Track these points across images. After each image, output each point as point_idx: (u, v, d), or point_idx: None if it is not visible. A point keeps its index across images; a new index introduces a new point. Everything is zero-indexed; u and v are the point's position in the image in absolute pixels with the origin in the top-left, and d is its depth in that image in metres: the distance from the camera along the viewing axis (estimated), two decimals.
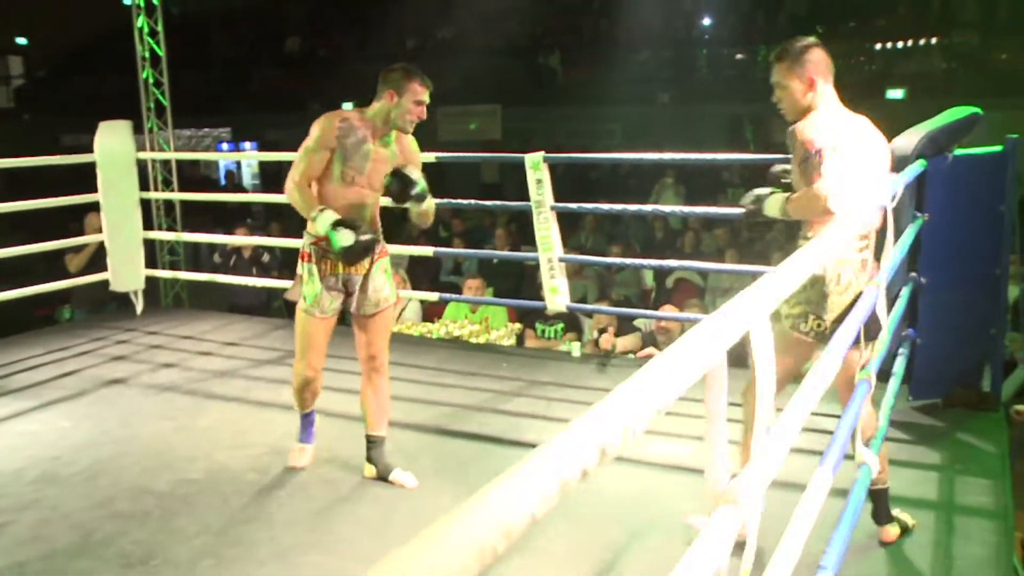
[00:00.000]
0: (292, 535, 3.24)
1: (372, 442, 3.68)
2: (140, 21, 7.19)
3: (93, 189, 6.16)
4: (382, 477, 3.65)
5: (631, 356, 5.73)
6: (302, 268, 3.51)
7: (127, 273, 6.28)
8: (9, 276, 7.01)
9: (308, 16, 19.74)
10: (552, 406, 4.59)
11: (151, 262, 6.65)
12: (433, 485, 3.64)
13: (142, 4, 7.16)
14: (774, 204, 2.93)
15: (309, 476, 3.71)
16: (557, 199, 5.10)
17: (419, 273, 7.93)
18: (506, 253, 7.58)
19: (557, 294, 5.18)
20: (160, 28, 7.20)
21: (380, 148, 3.48)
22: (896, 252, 3.01)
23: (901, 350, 3.80)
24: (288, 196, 3.40)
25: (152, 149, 7.12)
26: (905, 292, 3.76)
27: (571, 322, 6.28)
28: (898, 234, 3.27)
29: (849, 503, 2.23)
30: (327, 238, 3.36)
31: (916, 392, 4.25)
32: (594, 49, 16.04)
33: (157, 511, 3.44)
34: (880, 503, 3.07)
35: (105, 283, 6.29)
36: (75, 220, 6.65)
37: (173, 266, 7.15)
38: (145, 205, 6.52)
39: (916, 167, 3.55)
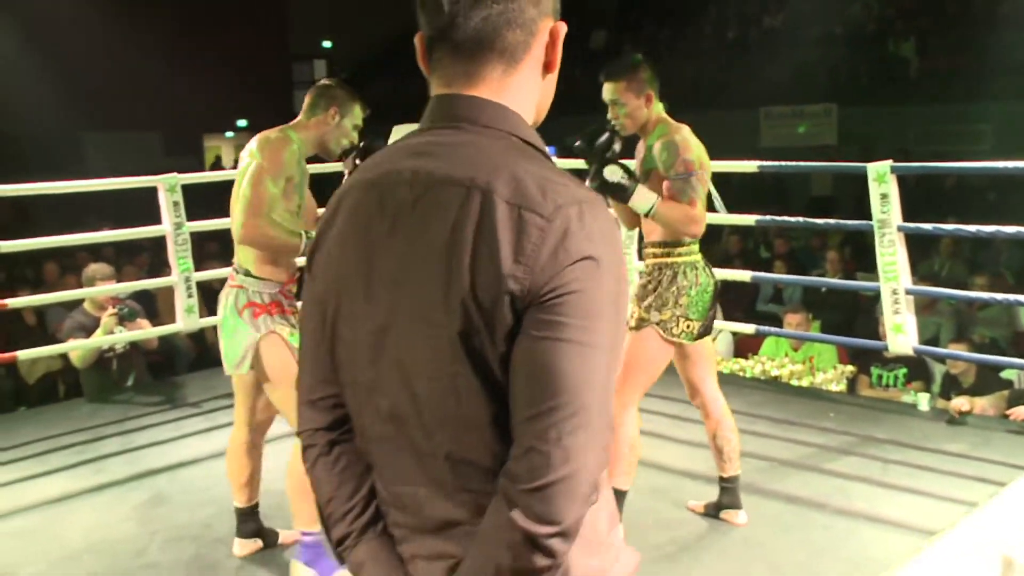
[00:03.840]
0: None
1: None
2: None
3: None
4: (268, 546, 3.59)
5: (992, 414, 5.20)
6: (272, 323, 3.17)
7: None
8: None
9: (617, 8, 20.14)
10: (890, 470, 4.29)
11: None
12: (742, 553, 3.51)
13: None
14: (643, 201, 3.24)
15: None
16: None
17: (731, 300, 7.74)
18: (838, 281, 7.21)
19: (902, 333, 4.84)
20: None
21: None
22: None
23: None
24: (258, 239, 3.09)
25: None
26: None
27: (917, 368, 5.85)
28: None
29: None
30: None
31: None
32: (961, 32, 14.89)
33: None
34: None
35: None
36: None
37: None
38: None
39: None
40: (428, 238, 1.13)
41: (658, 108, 3.36)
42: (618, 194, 3.26)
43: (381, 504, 1.27)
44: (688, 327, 3.37)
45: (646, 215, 3.27)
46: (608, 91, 3.33)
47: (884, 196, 4.76)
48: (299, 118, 3.27)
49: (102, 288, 5.48)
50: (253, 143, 3.15)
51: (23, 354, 5.03)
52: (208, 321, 5.85)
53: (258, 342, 3.15)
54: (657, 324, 3.36)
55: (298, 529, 3.30)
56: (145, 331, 5.69)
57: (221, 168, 20.57)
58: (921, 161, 7.12)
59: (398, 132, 6.51)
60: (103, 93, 15.42)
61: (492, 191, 1.11)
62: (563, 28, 1.22)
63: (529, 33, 1.18)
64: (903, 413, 5.18)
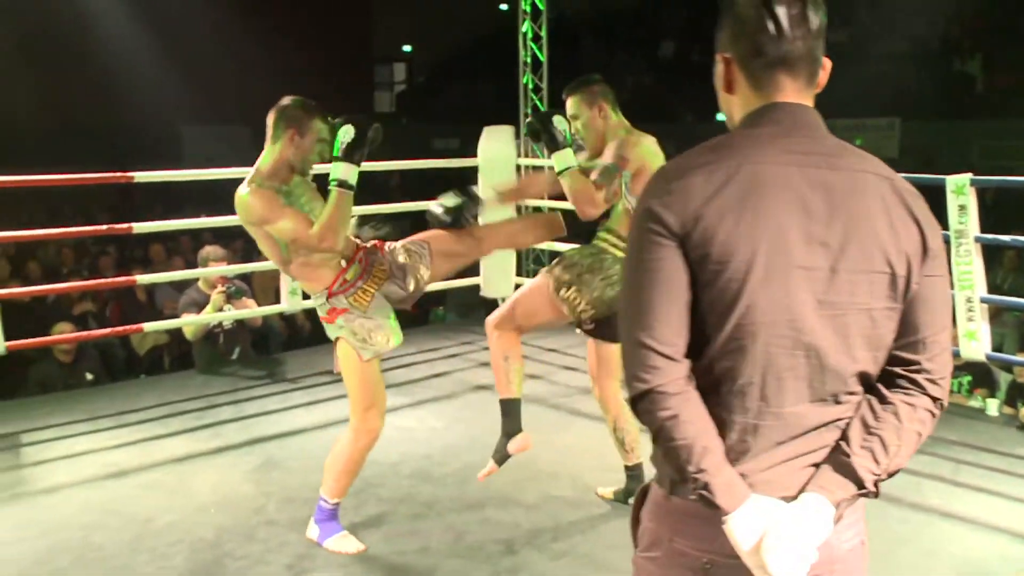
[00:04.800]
0: None
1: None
2: (525, 26, 7.76)
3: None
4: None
5: None
6: (336, 329, 3.34)
7: (499, 279, 6.77)
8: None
9: (687, 18, 20.07)
10: (960, 470, 4.28)
11: (517, 270, 7.11)
12: None
13: (528, 9, 7.73)
14: (566, 159, 3.47)
15: None
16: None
17: None
18: None
19: (975, 339, 4.81)
20: (544, 33, 7.72)
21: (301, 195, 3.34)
22: None
23: None
24: (331, 238, 3.20)
25: (527, 155, 7.63)
26: None
27: (982, 375, 5.79)
28: None
29: None
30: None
31: None
32: None
33: (525, 523, 3.68)
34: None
35: (475, 287, 6.84)
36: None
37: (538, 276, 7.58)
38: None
39: None
40: (866, 211, 1.48)
41: (617, 118, 3.58)
42: (552, 142, 3.49)
43: (739, 428, 1.50)
44: (585, 308, 3.49)
45: (559, 173, 3.47)
46: (568, 105, 3.58)
47: (962, 207, 4.75)
48: (266, 146, 3.28)
49: (215, 269, 5.67)
50: (245, 195, 3.18)
51: (148, 326, 5.25)
52: (308, 304, 6.01)
53: (335, 343, 3.38)
54: (555, 279, 3.53)
55: (321, 494, 3.48)
56: (251, 310, 5.88)
57: None
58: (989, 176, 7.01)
59: (488, 134, 6.66)
60: (200, 90, 15.83)
61: (892, 179, 1.53)
62: (829, 63, 1.60)
63: (820, 64, 1.59)
64: (971, 417, 5.15)
